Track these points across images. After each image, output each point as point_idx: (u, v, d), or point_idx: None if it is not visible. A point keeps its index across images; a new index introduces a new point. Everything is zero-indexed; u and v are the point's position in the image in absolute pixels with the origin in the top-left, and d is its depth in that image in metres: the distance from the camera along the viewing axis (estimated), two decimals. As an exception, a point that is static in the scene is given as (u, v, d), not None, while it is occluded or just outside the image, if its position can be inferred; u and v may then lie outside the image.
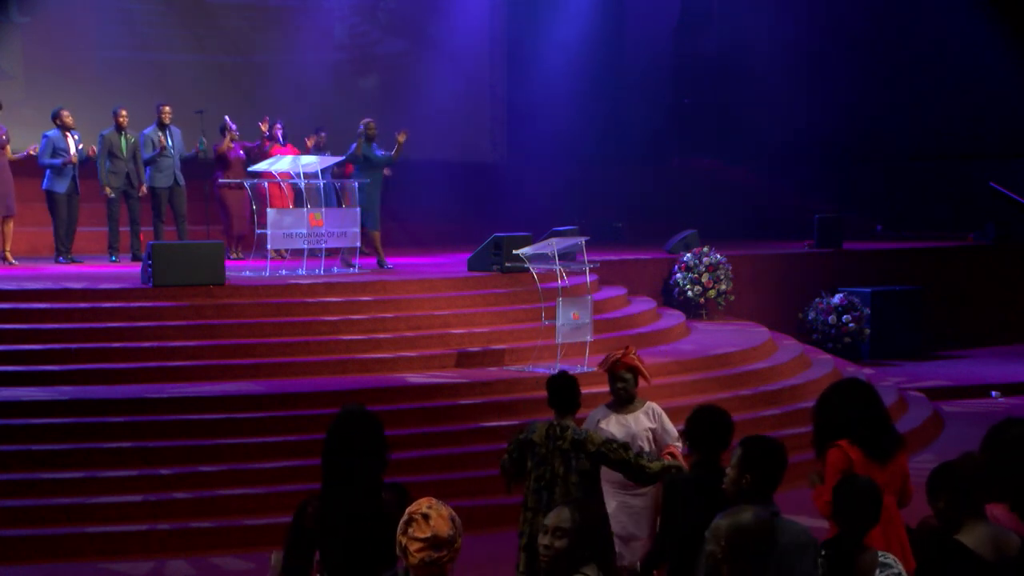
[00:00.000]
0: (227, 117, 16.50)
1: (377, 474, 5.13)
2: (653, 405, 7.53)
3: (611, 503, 7.13)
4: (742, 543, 4.17)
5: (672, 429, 7.43)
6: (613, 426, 7.36)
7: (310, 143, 17.30)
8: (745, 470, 4.97)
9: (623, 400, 7.42)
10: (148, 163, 15.72)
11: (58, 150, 15.00)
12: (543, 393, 11.30)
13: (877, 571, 4.80)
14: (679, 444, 7.30)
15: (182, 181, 15.93)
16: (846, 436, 5.77)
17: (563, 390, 6.87)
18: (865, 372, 14.92)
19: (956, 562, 4.70)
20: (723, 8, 24.07)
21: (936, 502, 4.86)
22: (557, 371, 7.27)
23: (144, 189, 15.76)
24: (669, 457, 7.04)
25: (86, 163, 15.35)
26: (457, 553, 4.15)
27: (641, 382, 7.45)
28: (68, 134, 15.06)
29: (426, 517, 4.11)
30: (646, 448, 7.21)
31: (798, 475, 10.51)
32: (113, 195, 15.55)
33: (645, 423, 7.39)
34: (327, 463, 5.13)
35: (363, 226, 14.79)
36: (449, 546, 4.11)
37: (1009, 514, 5.40)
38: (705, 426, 5.94)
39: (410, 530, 4.12)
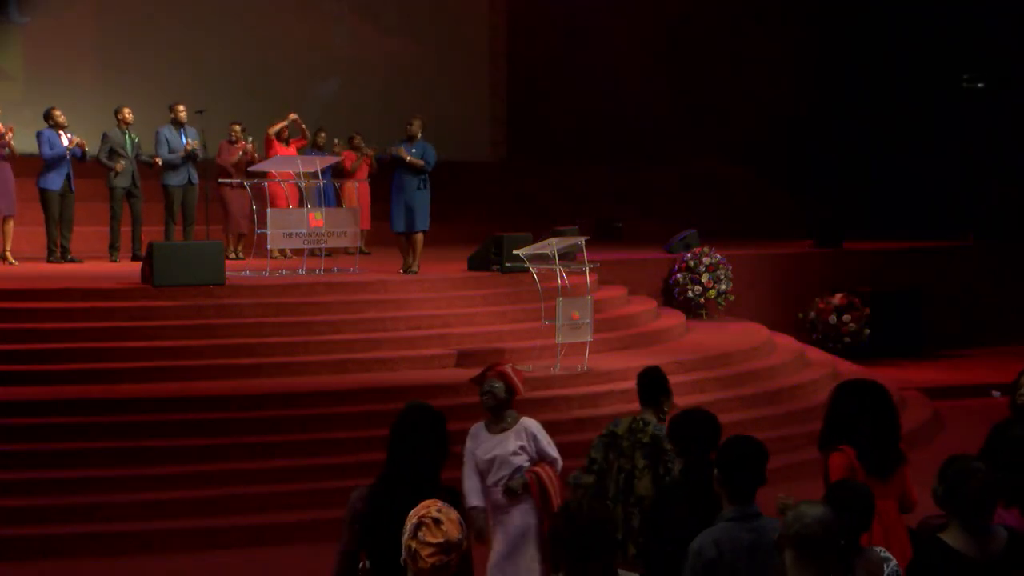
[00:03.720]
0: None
1: (435, 473, 5.08)
2: (528, 423, 7.15)
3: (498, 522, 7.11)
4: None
5: (548, 450, 7.12)
6: (481, 450, 7.07)
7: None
8: (716, 467, 5.03)
9: (492, 413, 7.07)
10: (165, 164, 15.69)
11: (54, 146, 15.02)
12: (543, 393, 11.45)
13: (884, 565, 4.82)
14: (555, 466, 7.13)
15: (196, 180, 15.91)
16: (852, 443, 5.74)
17: (643, 383, 7.03)
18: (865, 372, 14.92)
19: (941, 562, 4.70)
20: (724, 7, 24.06)
21: (938, 485, 4.87)
22: (646, 366, 7.26)
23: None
24: (531, 476, 6.93)
25: (83, 161, 15.38)
26: (463, 554, 4.15)
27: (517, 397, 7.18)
28: (61, 132, 15.07)
29: (437, 522, 4.07)
30: (523, 464, 7.01)
31: (796, 476, 10.56)
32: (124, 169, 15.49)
33: (512, 445, 7.02)
34: (388, 457, 5.08)
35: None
36: (458, 549, 4.09)
37: (1009, 510, 5.41)
38: (689, 428, 5.93)
39: (420, 534, 4.07)
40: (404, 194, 14.11)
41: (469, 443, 7.15)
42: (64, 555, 8.91)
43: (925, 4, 22.72)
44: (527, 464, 7.04)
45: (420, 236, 14.29)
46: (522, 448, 7.02)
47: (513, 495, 7.00)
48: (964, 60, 23.11)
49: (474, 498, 7.05)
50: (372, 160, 17.43)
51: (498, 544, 7.11)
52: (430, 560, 4.05)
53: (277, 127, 16.64)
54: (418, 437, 5.04)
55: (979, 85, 23.48)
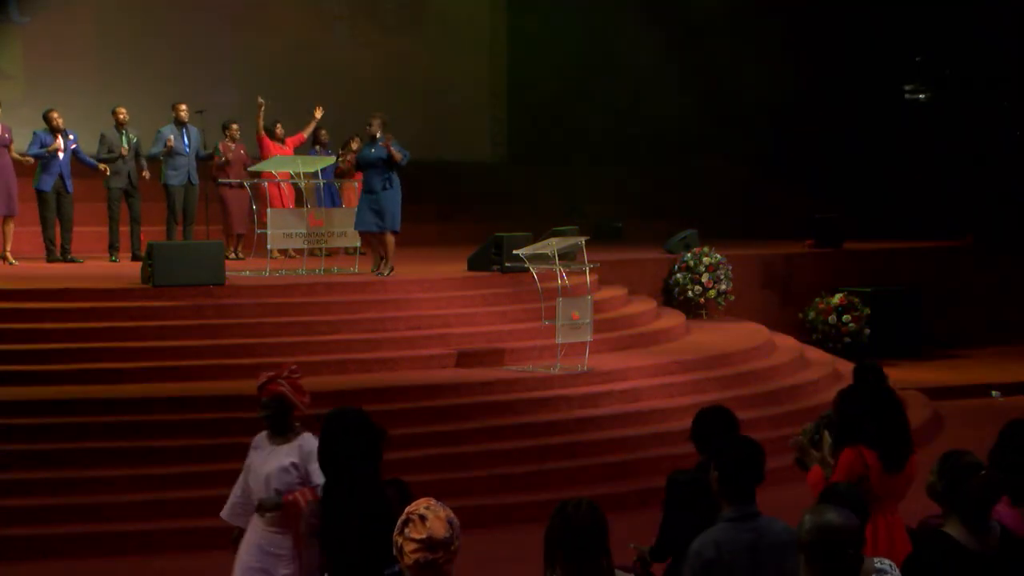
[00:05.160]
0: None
1: (375, 471, 5.11)
2: (306, 440, 6.34)
3: (254, 534, 6.47)
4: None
5: (316, 476, 6.12)
6: (259, 460, 6.43)
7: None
8: (714, 468, 5.03)
9: (272, 430, 6.45)
10: (151, 159, 15.70)
11: (44, 146, 15.03)
12: (543, 393, 11.46)
13: None
14: (317, 491, 6.30)
15: (196, 180, 15.91)
16: (864, 439, 5.75)
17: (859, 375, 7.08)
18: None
19: (942, 553, 4.71)
20: (723, 4, 24.04)
21: (936, 481, 4.87)
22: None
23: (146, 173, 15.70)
24: (290, 498, 6.20)
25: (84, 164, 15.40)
26: (454, 555, 4.13)
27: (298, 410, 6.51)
28: (59, 134, 15.08)
29: (423, 518, 4.09)
30: (279, 487, 6.28)
31: (795, 476, 10.56)
32: (119, 161, 15.48)
33: (285, 460, 6.33)
34: (323, 466, 5.12)
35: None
36: (445, 548, 4.09)
37: (1011, 509, 5.43)
38: (712, 426, 5.93)
39: (406, 530, 4.10)
40: (370, 195, 13.69)
41: (251, 453, 6.54)
42: (64, 555, 8.92)
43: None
44: (297, 484, 6.28)
45: (390, 237, 13.72)
46: (294, 465, 6.33)
47: (263, 512, 6.33)
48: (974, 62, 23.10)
49: (227, 511, 6.68)
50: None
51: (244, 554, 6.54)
52: (413, 556, 4.07)
53: (258, 121, 16.41)
54: (350, 440, 5.09)
55: (920, 97, 23.66)
